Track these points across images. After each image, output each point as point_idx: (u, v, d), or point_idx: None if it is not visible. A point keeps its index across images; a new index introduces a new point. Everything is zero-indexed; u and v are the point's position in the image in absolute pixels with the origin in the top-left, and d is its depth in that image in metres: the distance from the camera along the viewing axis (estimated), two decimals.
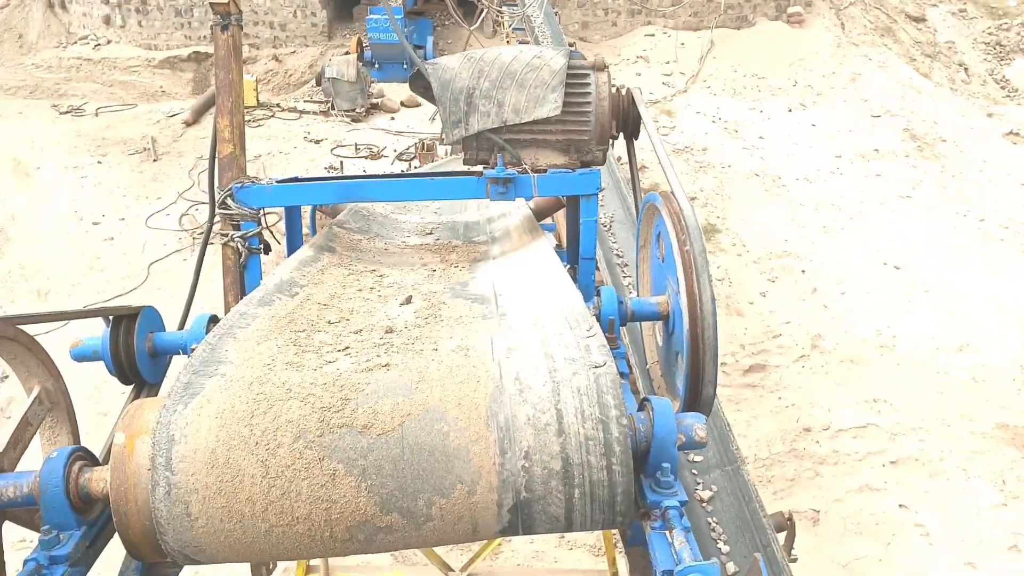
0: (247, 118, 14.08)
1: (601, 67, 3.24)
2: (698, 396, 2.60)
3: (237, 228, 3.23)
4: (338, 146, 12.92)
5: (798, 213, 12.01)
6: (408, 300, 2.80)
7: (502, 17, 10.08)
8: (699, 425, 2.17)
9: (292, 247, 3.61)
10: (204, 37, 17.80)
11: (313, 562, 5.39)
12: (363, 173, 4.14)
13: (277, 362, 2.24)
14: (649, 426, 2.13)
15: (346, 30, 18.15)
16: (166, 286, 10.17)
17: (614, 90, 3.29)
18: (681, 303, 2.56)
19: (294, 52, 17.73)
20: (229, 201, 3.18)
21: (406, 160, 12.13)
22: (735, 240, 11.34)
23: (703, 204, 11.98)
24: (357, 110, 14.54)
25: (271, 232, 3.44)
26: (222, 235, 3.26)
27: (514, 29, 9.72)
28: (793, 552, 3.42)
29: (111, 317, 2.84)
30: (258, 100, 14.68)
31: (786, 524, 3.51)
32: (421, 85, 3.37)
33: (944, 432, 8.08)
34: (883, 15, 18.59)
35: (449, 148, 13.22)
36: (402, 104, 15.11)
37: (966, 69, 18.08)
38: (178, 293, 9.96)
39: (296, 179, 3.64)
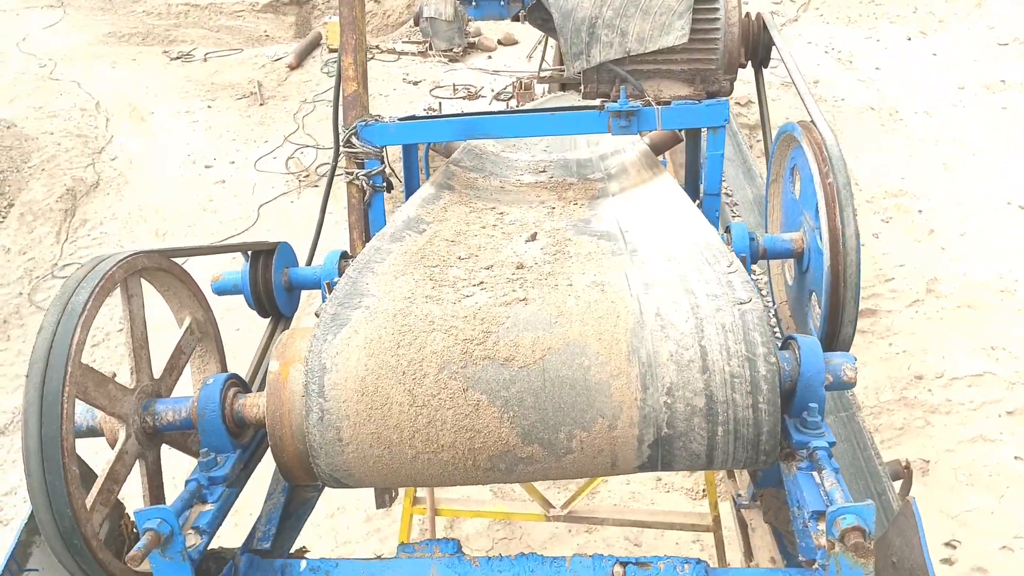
0: None
1: None
2: (836, 335, 2.55)
3: (361, 166, 3.34)
4: (436, 87, 13.06)
5: (916, 149, 11.50)
6: (533, 237, 2.84)
7: None
8: (848, 364, 2.12)
9: (410, 186, 3.74)
10: None
11: (419, 492, 5.69)
12: (477, 111, 4.21)
13: (417, 295, 2.32)
14: (795, 365, 2.09)
15: None
16: (275, 227, 10.62)
17: (743, 15, 3.21)
18: (822, 238, 2.49)
19: None
20: (354, 139, 3.28)
21: (503, 100, 12.16)
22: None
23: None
24: (454, 50, 14.59)
25: (392, 170, 3.59)
26: (347, 173, 3.39)
27: None
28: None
29: (249, 253, 3.05)
30: None
31: (903, 472, 3.51)
32: (540, 16, 3.38)
33: None
34: None
35: (547, 87, 13.17)
36: (499, 43, 15.07)
37: None
38: (286, 234, 10.41)
39: (414, 116, 3.76)
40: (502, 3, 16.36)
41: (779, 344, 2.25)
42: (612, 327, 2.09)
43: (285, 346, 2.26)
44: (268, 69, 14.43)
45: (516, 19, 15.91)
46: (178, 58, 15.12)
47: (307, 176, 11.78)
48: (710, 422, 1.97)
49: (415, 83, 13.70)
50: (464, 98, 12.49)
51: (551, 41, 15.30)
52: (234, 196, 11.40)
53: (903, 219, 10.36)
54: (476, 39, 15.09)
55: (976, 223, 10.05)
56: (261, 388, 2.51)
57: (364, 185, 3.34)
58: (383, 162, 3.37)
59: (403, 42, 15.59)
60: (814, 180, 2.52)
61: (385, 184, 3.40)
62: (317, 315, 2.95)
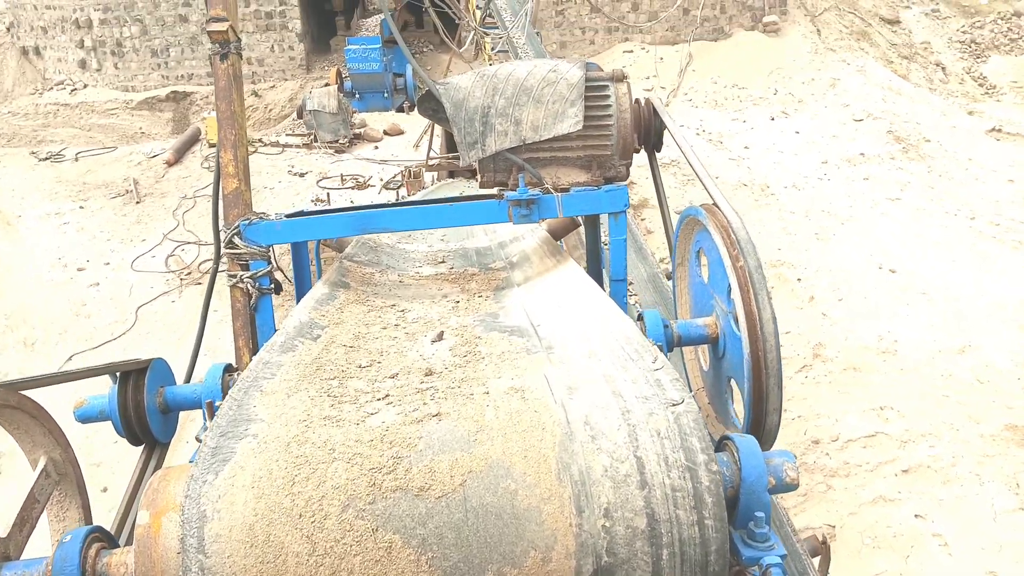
0: None
1: (620, 78, 3.13)
2: (762, 425, 2.41)
3: (245, 268, 3.09)
4: (323, 178, 12.85)
5: (788, 221, 12.00)
6: (440, 336, 2.66)
7: (485, 39, 10.04)
8: (789, 464, 1.95)
9: (301, 286, 3.50)
10: (181, 76, 17.71)
11: None
12: (372, 204, 4.00)
13: (313, 417, 2.05)
14: (735, 469, 1.91)
15: (324, 62, 18.13)
16: (155, 330, 10.01)
17: (634, 101, 3.20)
18: (739, 324, 2.38)
19: (273, 86, 17.67)
20: (236, 240, 3.03)
21: (393, 189, 12.05)
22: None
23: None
24: (340, 141, 14.48)
25: (281, 271, 3.33)
26: (229, 276, 3.12)
27: (497, 52, 9.68)
28: None
29: (118, 373, 2.71)
30: None
31: (820, 548, 3.40)
32: (430, 107, 3.24)
33: (953, 436, 8.02)
34: (857, 19, 18.75)
35: (435, 175, 13.17)
36: (385, 133, 15.06)
37: (943, 68, 18.24)
38: (167, 336, 9.82)
39: (303, 212, 3.53)
40: (385, 95, 16.45)
41: (716, 445, 2.07)
42: (538, 441, 1.88)
43: (156, 491, 1.91)
44: (145, 166, 13.90)
45: (400, 110, 15.95)
46: (47, 159, 14.40)
47: (189, 274, 11.23)
48: (653, 545, 1.78)
49: (301, 175, 13.45)
50: (352, 188, 12.32)
51: (438, 129, 15.44)
52: (110, 299, 10.73)
53: (784, 288, 10.70)
54: (361, 130, 15.04)
55: (852, 288, 10.48)
56: (131, 541, 2.14)
57: (249, 288, 3.07)
58: (270, 262, 3.13)
59: (287, 135, 15.37)
60: (724, 264, 2.45)
61: (273, 286, 3.14)
62: (198, 440, 2.61)
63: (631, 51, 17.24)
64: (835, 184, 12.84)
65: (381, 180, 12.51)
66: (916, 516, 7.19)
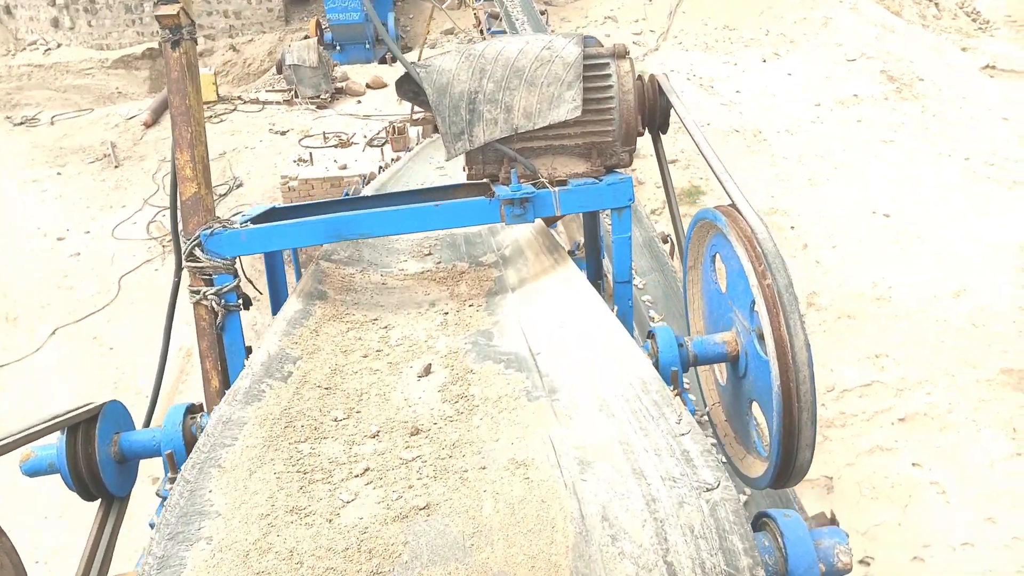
0: (208, 114, 13.63)
1: (622, 54, 2.80)
2: (792, 461, 2.14)
3: (209, 283, 2.75)
4: (305, 136, 12.52)
5: (781, 167, 11.77)
6: (427, 370, 2.37)
7: None
8: (841, 548, 1.66)
9: (276, 297, 3.18)
10: (157, 32, 17.18)
11: None
12: (352, 197, 3.65)
13: (278, 507, 1.72)
14: (779, 558, 1.60)
15: (303, 13, 17.61)
16: (139, 300, 9.81)
17: (637, 78, 2.84)
18: (764, 348, 2.11)
19: (251, 40, 17.19)
20: (197, 251, 2.70)
21: (377, 145, 11.75)
22: (720, 200, 11.07)
23: (684, 166, 11.70)
24: (322, 96, 14.11)
25: (250, 282, 3.02)
26: (192, 292, 2.78)
27: (481, 1, 9.34)
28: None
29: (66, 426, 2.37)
30: (218, 94, 14.20)
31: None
32: (411, 90, 2.87)
33: (949, 383, 7.93)
34: None
35: (420, 130, 12.85)
36: (368, 86, 14.68)
37: (936, 4, 17.81)
38: (151, 307, 9.62)
39: (274, 210, 3.23)
40: (367, 46, 16.03)
41: (753, 522, 1.76)
42: (548, 545, 1.56)
43: None
44: (122, 129, 13.53)
45: (383, 61, 15.57)
46: (22, 123, 14.01)
47: (170, 240, 11.00)
48: None
49: (282, 133, 13.12)
50: (336, 146, 12.00)
51: None
52: (91, 269, 10.50)
53: (777, 236, 10.51)
54: (344, 84, 14.64)
55: (845, 235, 10.30)
56: None
57: (214, 306, 2.74)
58: (236, 276, 2.77)
59: (267, 91, 14.97)
60: (749, 281, 2.17)
61: (240, 301, 2.80)
62: (159, 496, 2.31)
63: None
64: (828, 127, 12.57)
65: (365, 137, 12.19)
66: (913, 465, 7.14)
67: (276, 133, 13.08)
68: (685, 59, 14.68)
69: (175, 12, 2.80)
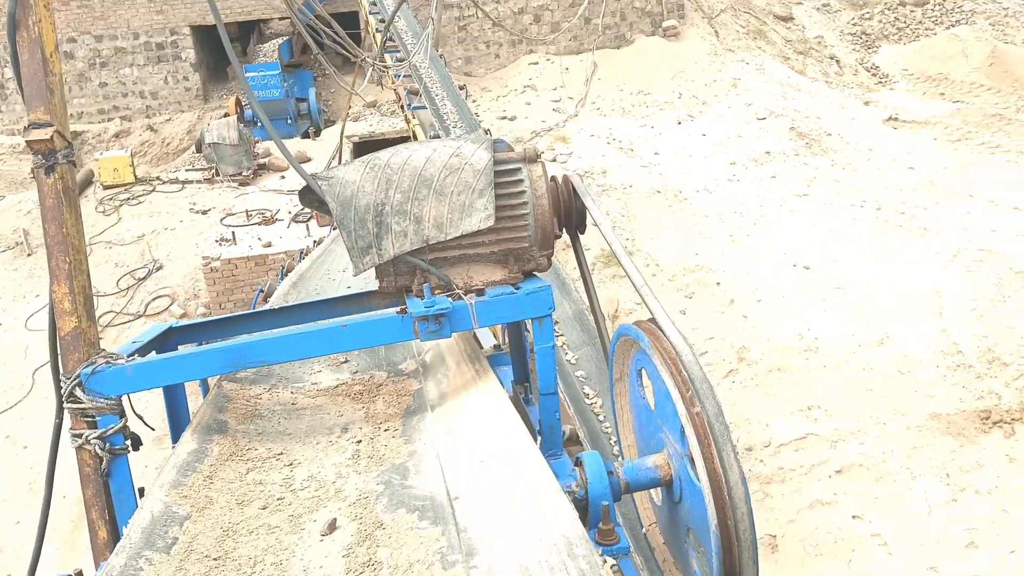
0: (125, 195, 13.24)
1: (533, 158, 2.70)
2: None
3: (93, 425, 2.51)
4: (228, 215, 12.24)
5: (703, 225, 11.98)
6: (331, 528, 2.16)
7: (386, 70, 9.68)
8: None
9: (177, 429, 2.94)
10: (72, 115, 16.74)
11: None
12: (256, 312, 3.42)
13: None
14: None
15: (223, 90, 17.44)
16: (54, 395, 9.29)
17: (550, 180, 2.74)
18: (698, 478, 2.00)
19: (169, 119, 16.90)
20: (78, 391, 2.48)
21: (302, 221, 11.56)
22: (648, 260, 11.20)
23: (611, 228, 11.79)
24: (244, 173, 13.87)
25: (140, 419, 2.71)
26: (73, 436, 2.52)
27: (400, 78, 9.34)
28: None
29: None
30: (135, 175, 13.83)
31: None
32: (315, 200, 2.71)
33: (881, 431, 8.03)
34: (753, 18, 19.05)
35: None
36: None
37: (838, 61, 18.67)
38: None
39: (171, 330, 3.03)
40: (288, 121, 15.78)
41: None
42: None
43: None
44: (35, 215, 13.01)
45: (306, 136, 15.35)
46: None
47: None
48: None
49: (204, 212, 12.81)
50: (259, 223, 11.76)
51: (345, 154, 14.97)
52: (3, 363, 9.95)
53: (704, 293, 10.64)
54: (266, 160, 14.45)
55: (769, 288, 10.48)
56: None
57: (98, 451, 2.49)
58: (123, 415, 2.54)
59: (186, 170, 14.67)
60: (677, 408, 2.06)
61: (128, 443, 2.56)
62: None
63: (536, 63, 17.11)
64: (744, 184, 12.90)
65: (290, 213, 11.99)
66: (854, 517, 7.15)
67: (197, 212, 12.77)
68: (604, 124, 14.97)
69: (48, 136, 2.54)
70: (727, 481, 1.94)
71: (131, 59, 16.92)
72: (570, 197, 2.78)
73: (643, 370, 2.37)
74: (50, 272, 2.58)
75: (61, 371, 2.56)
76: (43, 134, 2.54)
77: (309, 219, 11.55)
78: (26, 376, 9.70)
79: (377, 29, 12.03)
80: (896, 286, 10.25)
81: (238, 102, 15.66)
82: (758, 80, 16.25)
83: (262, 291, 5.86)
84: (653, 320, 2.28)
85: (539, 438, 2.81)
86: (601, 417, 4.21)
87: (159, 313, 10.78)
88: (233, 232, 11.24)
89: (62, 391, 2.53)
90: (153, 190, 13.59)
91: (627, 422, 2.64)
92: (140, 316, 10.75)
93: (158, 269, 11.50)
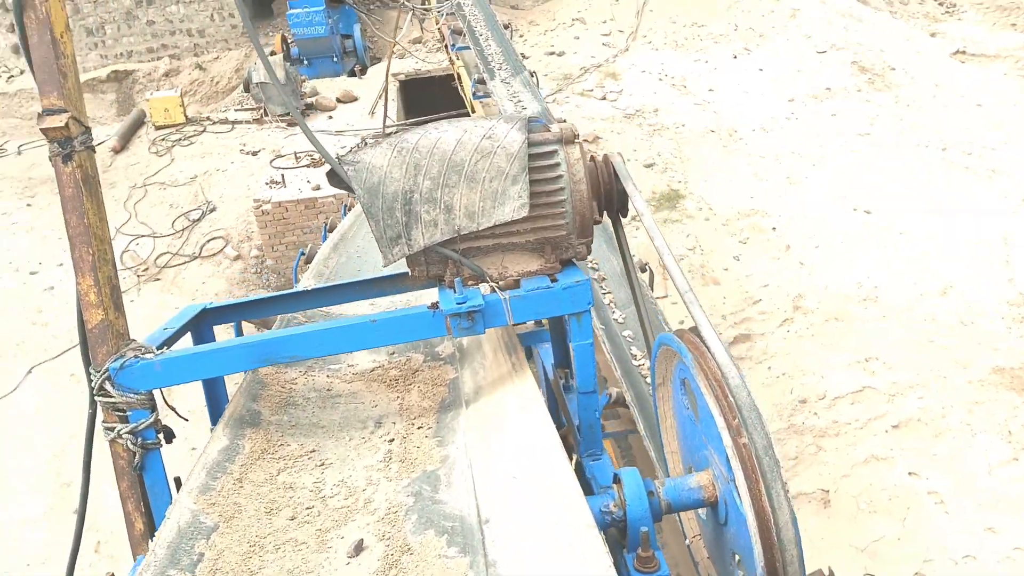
0: (177, 136, 13.26)
1: (570, 139, 2.53)
2: None
3: (125, 419, 2.50)
4: (277, 156, 12.20)
5: (759, 166, 11.60)
6: (358, 549, 2.08)
7: (427, 13, 9.40)
8: None
9: (215, 411, 2.92)
10: (120, 55, 16.78)
11: None
12: (292, 292, 3.33)
13: None
14: None
15: (268, 27, 17.23)
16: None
17: (589, 160, 2.58)
18: (744, 512, 1.88)
19: (217, 58, 16.80)
20: (108, 386, 2.44)
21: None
22: (700, 204, 10.92)
23: (663, 170, 11.51)
24: (289, 111, 13.77)
25: (173, 410, 2.67)
26: (106, 429, 2.50)
27: (445, 15, 9.06)
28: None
29: None
30: (186, 115, 13.84)
31: None
32: (343, 183, 2.59)
33: (941, 385, 7.80)
34: None
35: None
36: (338, 100, 14.36)
37: None
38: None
39: (205, 311, 2.96)
40: (335, 59, 15.55)
41: None
42: None
43: None
44: None
45: (352, 74, 15.12)
46: None
47: (146, 270, 10.67)
48: None
49: (254, 153, 12.78)
50: (308, 166, 11.70)
51: (392, 92, 14.74)
52: (66, 303, 10.15)
53: (759, 238, 10.35)
54: (313, 99, 14.31)
55: (828, 234, 10.16)
56: None
57: (130, 445, 2.47)
58: (154, 409, 2.52)
59: (236, 110, 14.62)
60: (722, 438, 1.92)
61: (161, 436, 2.55)
62: None
63: None
64: (803, 123, 12.42)
65: (337, 155, 11.87)
66: (910, 474, 7.00)
67: (247, 153, 12.75)
68: (656, 59, 14.47)
69: (63, 123, 2.42)
70: (776, 522, 1.80)
71: None
72: (611, 179, 2.62)
73: (686, 381, 2.23)
74: (74, 264, 2.51)
75: (91, 365, 2.52)
76: (57, 121, 2.41)
77: None
78: None
79: None
80: (961, 232, 9.85)
81: (283, 40, 15.47)
82: (818, 10, 15.50)
83: (303, 253, 5.77)
84: (695, 330, 2.12)
85: (579, 436, 2.73)
86: (649, 379, 4.11)
87: (214, 255, 10.88)
88: (283, 175, 11.22)
89: (91, 384, 2.50)
90: (204, 130, 13.59)
91: (670, 428, 2.50)
92: (196, 257, 10.87)
93: (212, 210, 11.57)
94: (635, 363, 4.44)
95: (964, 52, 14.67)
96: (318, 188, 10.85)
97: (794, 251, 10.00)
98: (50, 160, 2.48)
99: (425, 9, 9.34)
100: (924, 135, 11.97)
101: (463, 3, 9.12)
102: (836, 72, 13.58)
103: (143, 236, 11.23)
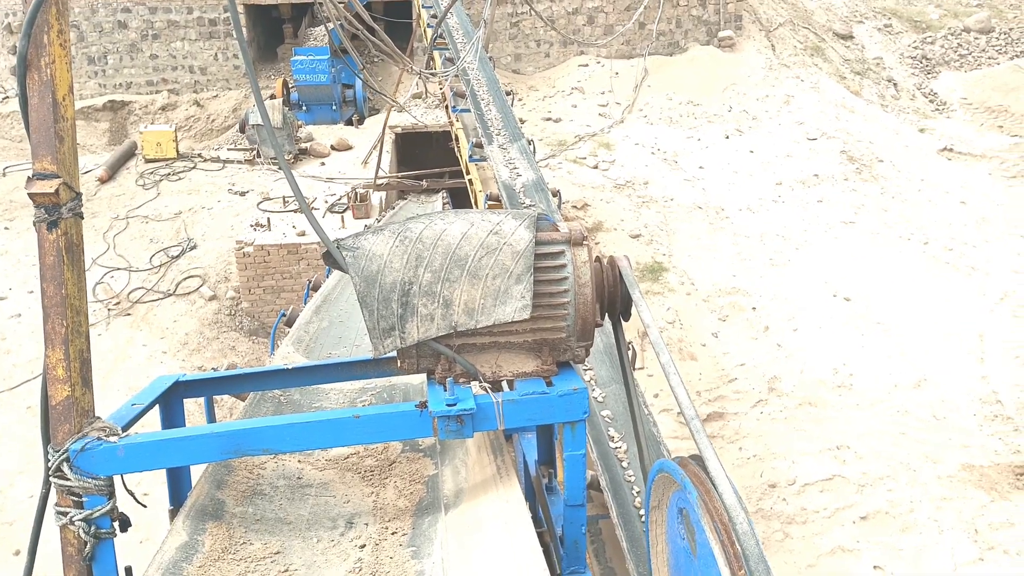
0: (166, 171, 13.30)
1: (579, 240, 2.48)
2: None
3: (79, 504, 2.33)
4: (265, 199, 12.24)
5: (743, 245, 11.75)
6: None
7: (433, 76, 9.57)
8: None
9: (177, 492, 2.81)
10: (119, 85, 16.94)
11: None
12: (272, 369, 3.22)
13: None
14: None
15: (270, 71, 17.47)
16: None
17: (595, 261, 2.55)
18: None
19: (216, 96, 16.98)
20: (65, 468, 2.30)
21: (338, 212, 11.52)
22: (683, 278, 11.00)
23: (648, 241, 11.63)
24: (276, 158, 13.88)
25: (132, 495, 2.54)
26: (58, 513, 2.35)
27: (450, 77, 9.24)
28: None
29: None
30: (178, 151, 13.91)
31: None
32: (338, 264, 2.53)
33: (910, 478, 7.79)
34: (811, 34, 18.65)
35: (384, 196, 12.64)
36: (332, 148, 14.50)
37: (895, 85, 18.22)
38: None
39: (178, 384, 2.86)
40: (334, 107, 15.67)
41: None
42: None
43: None
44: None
45: (349, 123, 15.25)
46: None
47: (118, 303, 10.59)
48: None
49: (242, 194, 12.83)
50: (295, 211, 11.74)
51: (387, 144, 14.90)
52: (31, 332, 10.03)
53: (739, 317, 10.42)
54: (308, 144, 14.45)
55: (806, 318, 10.23)
56: None
57: (82, 533, 2.30)
58: (111, 496, 2.35)
59: (228, 149, 14.71)
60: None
61: (116, 525, 2.38)
62: None
63: (586, 64, 16.90)
64: (789, 207, 12.63)
65: (326, 202, 11.95)
66: (875, 568, 6.93)
67: (235, 193, 12.80)
68: (650, 132, 14.75)
69: (53, 189, 2.28)
70: None
71: (183, 33, 17.02)
72: (615, 282, 2.58)
73: (685, 511, 2.11)
74: (45, 335, 2.39)
75: (50, 443, 2.37)
76: (47, 186, 2.29)
77: (345, 211, 11.52)
78: None
79: (428, 24, 11.96)
80: (938, 326, 9.95)
81: (284, 84, 15.67)
82: (812, 98, 15.91)
83: (284, 315, 5.72)
84: (699, 459, 2.03)
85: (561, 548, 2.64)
86: (625, 464, 4.05)
87: (189, 293, 10.82)
88: (268, 218, 11.24)
89: (48, 464, 2.36)
90: (194, 167, 13.66)
91: (661, 553, 2.38)
92: (170, 294, 10.80)
93: (192, 248, 11.55)
94: (612, 446, 4.36)
95: (951, 150, 15.04)
96: (303, 234, 10.87)
97: (772, 332, 10.06)
98: (34, 225, 2.35)
99: (431, 73, 9.50)
100: (907, 228, 12.18)
101: (468, 68, 9.30)
102: (825, 159, 13.87)
103: (119, 269, 11.17)
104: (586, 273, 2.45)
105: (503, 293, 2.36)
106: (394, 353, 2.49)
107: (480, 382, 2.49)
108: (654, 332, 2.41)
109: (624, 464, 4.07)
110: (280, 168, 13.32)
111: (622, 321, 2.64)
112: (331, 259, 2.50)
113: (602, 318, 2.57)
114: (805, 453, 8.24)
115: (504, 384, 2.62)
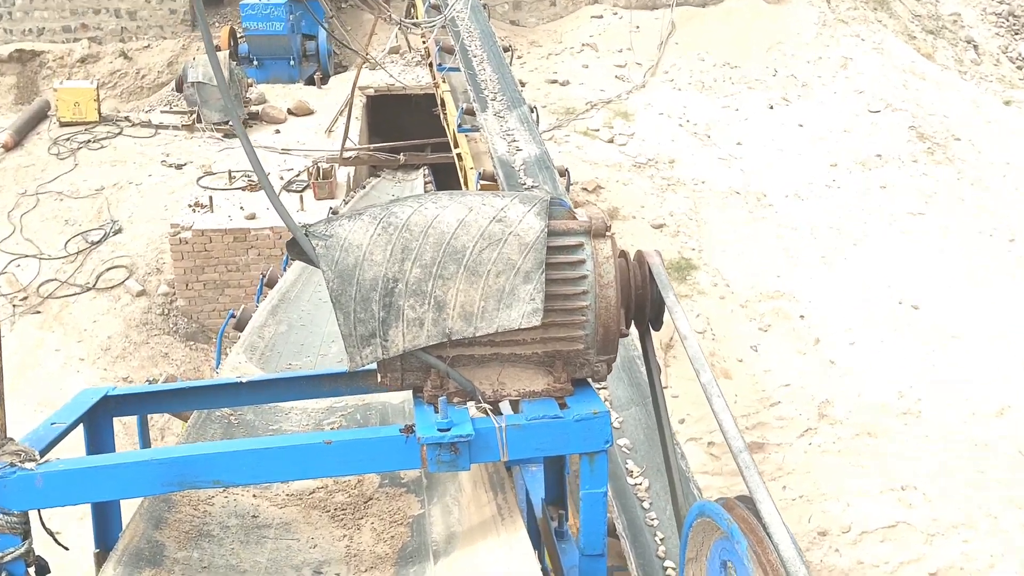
0: (86, 136, 13.29)
1: (601, 231, 2.43)
2: None
3: None
4: (207, 173, 12.22)
5: (790, 240, 11.79)
6: None
7: (415, 27, 9.56)
8: None
9: (104, 535, 2.78)
10: (29, 31, 16.88)
11: None
12: (225, 382, 3.17)
13: None
14: None
15: (214, 17, 17.43)
16: None
17: (620, 256, 2.51)
18: None
19: (148, 46, 16.95)
20: None
21: (296, 191, 11.51)
22: (716, 278, 11.04)
23: (674, 233, 11.66)
24: (231, 122, 13.86)
25: (51, 535, 2.48)
26: None
27: (436, 29, 9.23)
28: None
29: None
30: (100, 112, 13.89)
31: None
32: (305, 255, 2.47)
33: (991, 527, 7.84)
34: None
35: (351, 172, 12.62)
36: (290, 112, 14.50)
37: (975, 47, 18.29)
38: None
39: (107, 398, 2.83)
40: (292, 63, 15.77)
41: None
42: None
43: None
44: None
45: (311, 82, 15.31)
46: None
47: (25, 298, 10.56)
48: None
49: (178, 167, 12.82)
50: (244, 188, 11.72)
51: (357, 111, 14.88)
52: None
53: (783, 326, 10.46)
54: (260, 108, 14.44)
55: (866, 330, 10.28)
56: None
57: None
58: (28, 536, 2.32)
59: (162, 111, 14.72)
60: None
61: (32, 571, 2.36)
62: None
63: (600, 16, 16.96)
64: (846, 193, 12.68)
65: (281, 178, 11.95)
66: None
67: (170, 166, 12.78)
68: (677, 100, 14.79)
69: None
70: None
71: None
72: (644, 284, 2.54)
73: (731, 565, 2.12)
74: None
75: None
76: None
77: (304, 189, 11.51)
78: None
79: None
80: None
81: (232, 34, 15.66)
82: (875, 62, 15.98)
83: (233, 316, 5.70)
84: (749, 501, 2.01)
85: None
86: (646, 504, 4.04)
87: (113, 287, 10.80)
88: (211, 196, 11.22)
89: None
90: (120, 132, 13.64)
91: None
92: (89, 288, 10.78)
93: (116, 232, 11.53)
94: (631, 481, 4.32)
95: None
96: (253, 217, 10.86)
97: (824, 346, 10.10)
98: None
99: (412, 23, 9.48)
100: (989, 221, 12.25)
101: (457, 17, 9.29)
102: (890, 136, 13.93)
103: (27, 256, 11.15)
104: (610, 271, 2.41)
105: (508, 294, 2.32)
106: (374, 365, 2.46)
107: (479, 403, 2.46)
108: (692, 345, 2.40)
109: (646, 505, 4.05)
110: (233, 131, 13.31)
111: (651, 330, 2.62)
112: (297, 249, 2.45)
113: (628, 326, 2.53)
114: (863, 494, 8.28)
115: (508, 405, 2.60)
